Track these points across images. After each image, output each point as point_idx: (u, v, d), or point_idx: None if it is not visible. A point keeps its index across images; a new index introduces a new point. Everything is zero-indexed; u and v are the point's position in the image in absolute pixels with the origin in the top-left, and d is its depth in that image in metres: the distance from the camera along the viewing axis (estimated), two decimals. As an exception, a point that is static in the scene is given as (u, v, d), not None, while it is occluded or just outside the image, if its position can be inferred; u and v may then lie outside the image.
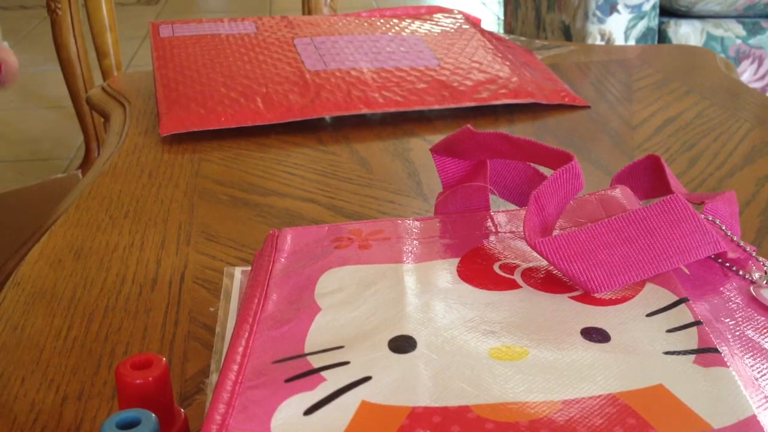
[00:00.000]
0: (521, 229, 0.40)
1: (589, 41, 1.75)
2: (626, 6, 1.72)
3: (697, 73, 0.90)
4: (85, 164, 2.05)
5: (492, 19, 3.60)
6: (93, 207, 0.61)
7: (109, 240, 0.56)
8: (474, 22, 0.99)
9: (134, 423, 0.32)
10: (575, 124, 0.76)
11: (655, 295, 0.35)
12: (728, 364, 0.30)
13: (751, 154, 0.68)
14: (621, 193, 0.43)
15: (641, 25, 1.74)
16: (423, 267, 0.38)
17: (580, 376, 0.30)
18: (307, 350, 0.32)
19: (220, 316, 0.44)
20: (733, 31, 1.77)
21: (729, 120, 0.76)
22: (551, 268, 0.37)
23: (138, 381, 0.34)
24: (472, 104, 0.78)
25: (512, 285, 0.36)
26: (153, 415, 0.32)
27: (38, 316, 0.47)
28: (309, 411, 0.28)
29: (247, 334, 0.33)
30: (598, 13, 1.73)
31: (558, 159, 0.40)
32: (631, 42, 1.75)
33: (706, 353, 0.31)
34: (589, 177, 0.65)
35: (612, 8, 1.72)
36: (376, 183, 0.64)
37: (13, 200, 1.09)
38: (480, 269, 0.37)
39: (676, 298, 0.34)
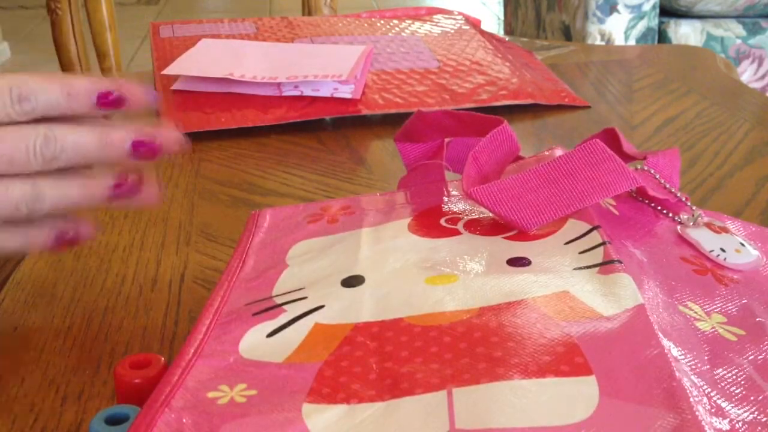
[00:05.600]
0: None
1: (589, 41, 1.75)
2: (626, 6, 1.72)
3: (697, 73, 0.90)
4: (85, 164, 2.05)
5: (492, 19, 3.60)
6: (93, 207, 0.61)
7: (109, 240, 0.56)
8: (474, 23, 0.99)
9: (123, 419, 0.32)
10: (575, 124, 0.76)
11: (573, 227, 0.40)
12: (627, 271, 0.35)
13: (751, 154, 0.68)
14: (559, 152, 0.47)
15: (641, 25, 1.74)
16: (379, 228, 0.43)
17: (501, 291, 0.35)
18: (273, 293, 0.38)
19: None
20: (733, 31, 1.77)
21: (729, 120, 0.76)
22: (490, 216, 0.42)
23: (136, 380, 0.34)
24: (473, 106, 0.78)
25: (455, 233, 0.41)
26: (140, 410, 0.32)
27: (38, 316, 0.47)
28: (271, 334, 0.34)
29: (225, 288, 0.39)
30: (598, 13, 1.73)
31: (492, 124, 0.46)
32: (631, 42, 1.75)
33: (609, 264, 0.36)
34: (589, 177, 0.65)
35: (612, 8, 1.72)
36: (376, 183, 0.64)
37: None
38: (428, 223, 0.43)
39: (590, 227, 0.39)
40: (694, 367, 0.31)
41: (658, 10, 1.76)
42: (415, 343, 0.32)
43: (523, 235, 0.40)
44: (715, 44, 1.76)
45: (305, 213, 0.46)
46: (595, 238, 0.38)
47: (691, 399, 0.28)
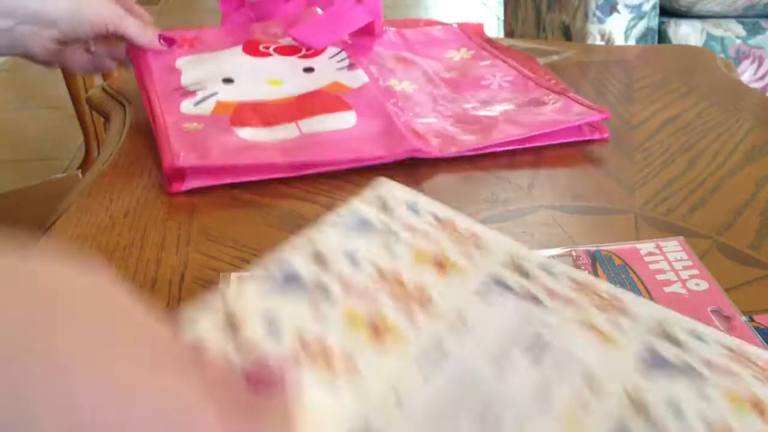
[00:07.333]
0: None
1: (589, 41, 1.75)
2: (626, 6, 1.72)
3: (697, 73, 0.90)
4: (85, 164, 2.05)
5: (492, 19, 3.60)
6: (93, 207, 0.61)
7: (109, 240, 0.56)
8: (475, 30, 0.98)
9: None
10: (575, 124, 0.76)
11: None
12: None
13: (751, 154, 0.68)
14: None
15: (641, 25, 1.74)
16: (230, 51, 0.81)
17: None
18: (183, 84, 0.75)
19: (220, 316, 0.44)
20: (733, 31, 1.77)
21: (729, 120, 0.76)
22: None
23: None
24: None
25: (267, 54, 0.80)
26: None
27: (38, 316, 0.47)
28: (196, 104, 0.72)
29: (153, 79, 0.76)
30: (598, 13, 1.73)
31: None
32: (631, 42, 1.75)
33: None
34: (590, 177, 0.65)
35: (612, 8, 1.72)
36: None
37: (13, 200, 1.09)
38: (253, 49, 0.82)
39: None
40: None
41: (658, 10, 1.76)
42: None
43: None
44: (715, 44, 1.76)
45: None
46: None
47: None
